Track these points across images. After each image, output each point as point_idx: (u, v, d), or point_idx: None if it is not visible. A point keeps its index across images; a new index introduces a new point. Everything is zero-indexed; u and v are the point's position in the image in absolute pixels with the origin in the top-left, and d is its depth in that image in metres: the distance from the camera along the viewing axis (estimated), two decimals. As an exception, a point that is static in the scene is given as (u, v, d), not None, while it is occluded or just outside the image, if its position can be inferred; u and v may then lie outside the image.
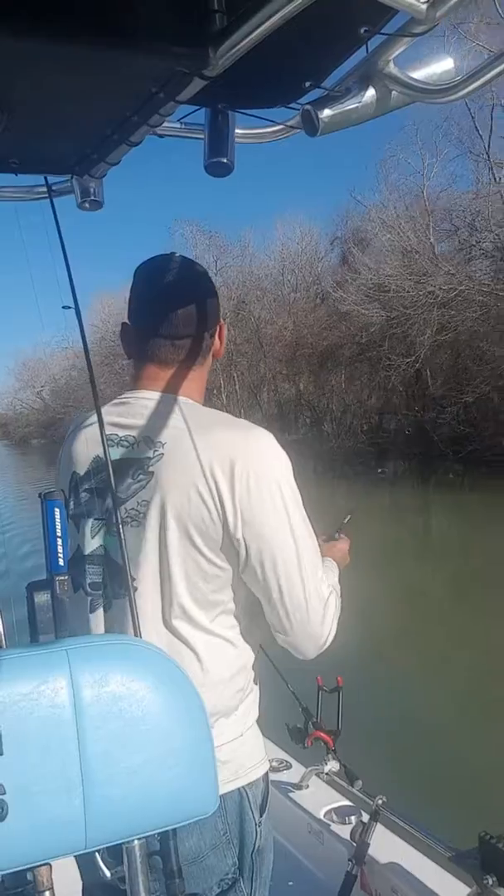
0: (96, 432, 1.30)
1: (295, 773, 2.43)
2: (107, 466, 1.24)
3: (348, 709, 2.18)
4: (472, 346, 22.14)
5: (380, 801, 1.94)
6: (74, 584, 1.34)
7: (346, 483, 19.36)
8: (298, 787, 2.36)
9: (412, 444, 24.82)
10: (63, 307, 1.34)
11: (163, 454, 1.27)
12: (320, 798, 2.31)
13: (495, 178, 21.92)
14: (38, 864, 0.87)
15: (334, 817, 2.23)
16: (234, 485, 1.22)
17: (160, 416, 1.32)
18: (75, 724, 0.87)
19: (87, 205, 1.44)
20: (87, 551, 1.35)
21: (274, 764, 2.47)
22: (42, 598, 1.00)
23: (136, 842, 0.94)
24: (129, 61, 0.98)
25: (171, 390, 1.36)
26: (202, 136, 1.32)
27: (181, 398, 1.35)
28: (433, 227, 23.23)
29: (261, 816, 1.33)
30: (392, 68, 1.10)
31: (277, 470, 1.27)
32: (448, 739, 4.97)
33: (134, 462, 1.28)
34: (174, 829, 1.00)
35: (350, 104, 1.13)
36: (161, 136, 1.33)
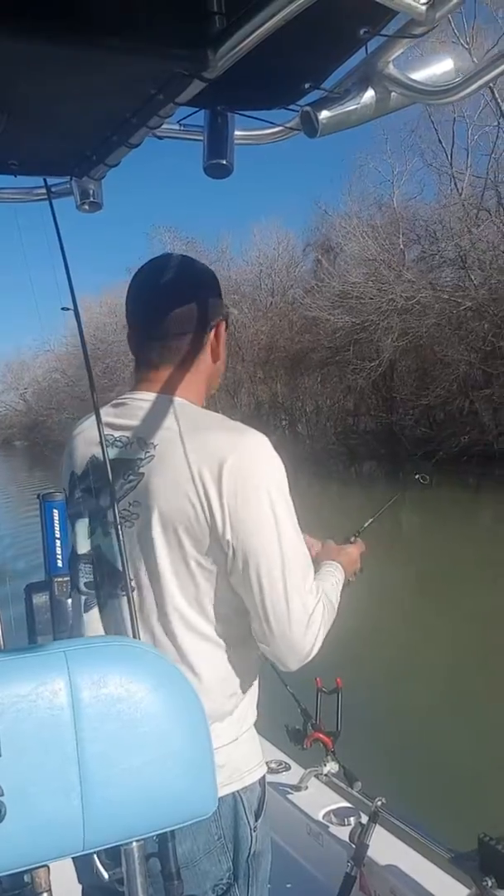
0: (93, 433, 1.31)
1: (294, 774, 2.43)
2: (105, 466, 1.25)
3: (347, 710, 2.18)
4: (434, 350, 22.95)
5: (379, 803, 1.94)
6: (72, 584, 1.35)
7: (320, 483, 19.70)
8: (297, 788, 2.36)
9: (381, 445, 25.70)
10: (62, 308, 1.34)
11: (153, 455, 1.27)
12: (319, 799, 2.31)
13: (458, 189, 22.50)
14: (36, 865, 0.87)
15: (333, 819, 2.23)
16: (223, 488, 1.21)
17: (153, 417, 1.32)
18: (73, 725, 0.87)
19: (86, 206, 1.44)
20: (81, 551, 1.35)
21: (273, 765, 2.46)
22: (40, 599, 1.00)
23: (134, 843, 0.94)
24: (129, 63, 0.98)
25: (166, 391, 1.35)
26: (201, 138, 1.32)
27: (176, 399, 1.34)
28: (403, 236, 24.00)
29: (256, 821, 1.32)
30: (391, 69, 1.10)
31: (267, 474, 1.25)
32: (447, 741, 4.96)
33: (126, 463, 1.29)
34: (172, 831, 0.99)
35: (349, 105, 1.13)
36: (160, 137, 1.33)
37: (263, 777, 1.37)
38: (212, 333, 1.40)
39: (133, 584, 1.27)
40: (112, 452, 1.30)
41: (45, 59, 0.97)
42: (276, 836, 2.20)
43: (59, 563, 1.03)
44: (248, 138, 1.38)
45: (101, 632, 1.31)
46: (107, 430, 1.32)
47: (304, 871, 2.21)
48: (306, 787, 2.35)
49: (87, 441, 1.39)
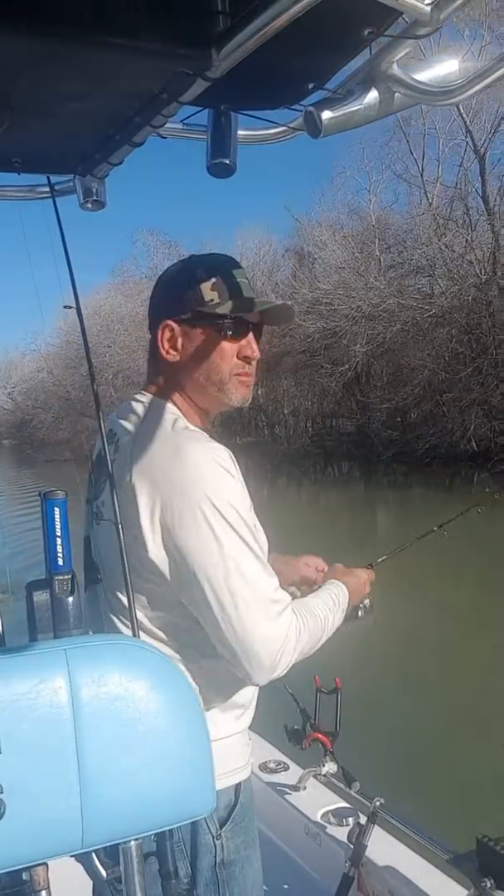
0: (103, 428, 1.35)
1: (292, 774, 2.43)
2: (106, 466, 1.26)
3: (346, 710, 2.18)
4: (401, 355, 23.84)
5: (377, 803, 1.94)
6: (86, 570, 1.40)
7: (296, 483, 19.81)
8: (295, 788, 2.36)
9: (356, 447, 26.37)
10: (64, 307, 1.35)
11: (115, 459, 1.27)
12: (317, 799, 2.31)
13: (428, 199, 23.14)
14: (35, 863, 0.87)
15: (331, 819, 2.23)
16: (155, 501, 1.19)
17: (128, 416, 1.34)
18: (73, 723, 0.87)
19: (89, 205, 1.44)
20: (86, 539, 1.42)
21: (271, 765, 2.47)
22: (41, 597, 1.00)
23: (132, 842, 0.94)
24: (132, 62, 0.98)
25: (147, 389, 1.38)
26: (205, 137, 1.32)
27: (154, 399, 1.35)
28: (376, 245, 24.92)
29: (221, 829, 1.29)
30: (395, 70, 1.10)
31: (203, 487, 1.18)
32: (446, 741, 4.96)
33: (104, 462, 1.29)
34: (171, 830, 1.00)
35: (353, 106, 1.12)
36: (164, 136, 1.33)
37: (239, 785, 1.33)
38: (158, 331, 1.35)
39: (102, 576, 1.31)
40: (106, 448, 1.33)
41: (49, 58, 0.97)
42: (273, 836, 2.21)
43: (60, 562, 1.03)
44: (252, 138, 1.38)
45: (96, 617, 1.34)
46: (111, 427, 1.37)
47: (301, 871, 2.21)
48: (304, 787, 2.35)
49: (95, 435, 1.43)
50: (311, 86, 1.18)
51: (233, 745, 1.34)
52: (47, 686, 0.87)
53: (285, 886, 2.13)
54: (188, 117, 1.31)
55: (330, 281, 24.78)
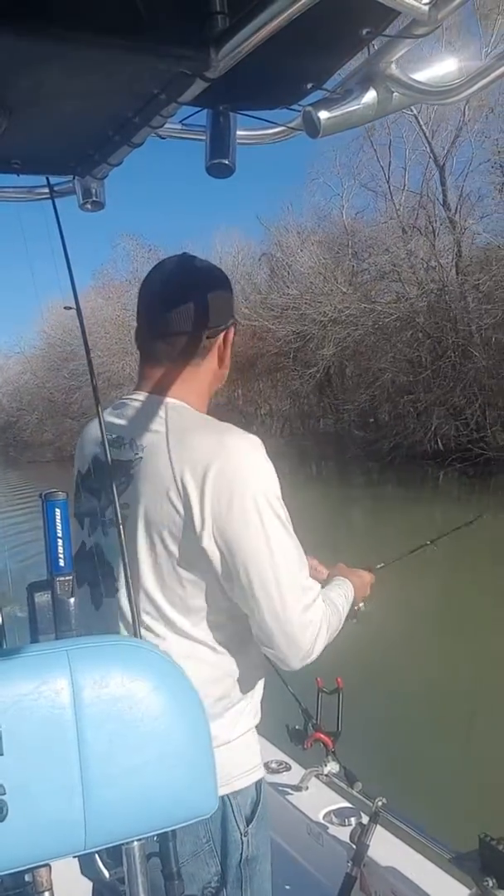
0: (96, 433, 1.32)
1: (294, 774, 2.43)
2: (107, 467, 1.25)
3: (348, 710, 2.18)
4: (368, 357, 24.79)
5: (379, 803, 1.94)
6: (79, 579, 1.36)
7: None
8: (298, 788, 2.36)
9: (330, 446, 27.13)
10: (64, 307, 1.35)
11: (142, 458, 1.26)
12: (320, 800, 2.31)
13: (395, 207, 23.82)
14: (38, 864, 0.87)
15: (333, 819, 2.23)
16: (205, 492, 1.20)
17: (144, 418, 1.31)
18: (75, 724, 0.87)
19: (88, 206, 1.44)
20: (87, 549, 1.37)
21: (273, 765, 2.46)
22: (42, 598, 1.00)
23: (135, 843, 0.94)
24: (131, 62, 0.98)
25: (161, 392, 1.34)
26: (203, 138, 1.32)
27: (170, 400, 1.33)
28: (341, 251, 25.80)
29: (248, 826, 1.31)
30: (394, 70, 1.10)
31: (253, 479, 1.23)
32: (448, 741, 4.96)
33: (120, 464, 1.28)
34: (173, 831, 1.00)
35: (351, 106, 1.12)
36: (162, 137, 1.33)
37: (259, 781, 1.36)
38: (220, 337, 1.38)
39: (120, 584, 1.27)
40: (112, 454, 1.30)
41: (48, 59, 0.97)
42: (276, 837, 2.20)
43: (62, 563, 1.03)
44: (251, 138, 1.38)
45: (104, 629, 1.31)
46: (109, 430, 1.32)
47: (304, 871, 2.21)
48: (307, 788, 2.35)
49: (92, 440, 1.40)
50: (309, 86, 1.18)
51: (253, 741, 1.37)
52: (49, 687, 0.87)
53: (287, 887, 2.13)
54: (187, 118, 1.31)
55: (298, 287, 25.70)
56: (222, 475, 1.20)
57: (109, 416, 1.36)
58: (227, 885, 1.29)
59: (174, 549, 1.23)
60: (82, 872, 1.29)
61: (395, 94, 1.13)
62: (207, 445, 1.23)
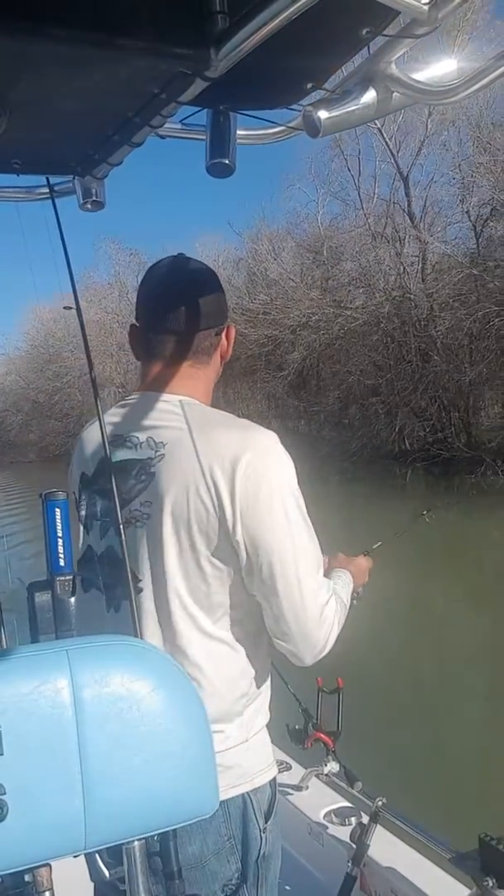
0: (100, 434, 1.30)
1: (295, 774, 2.43)
2: (108, 467, 1.24)
3: (348, 710, 2.18)
4: (335, 361, 25.90)
5: (379, 803, 1.94)
6: (86, 583, 1.36)
7: None
8: (298, 788, 2.36)
9: (305, 446, 27.33)
10: (64, 307, 1.35)
11: (164, 455, 1.26)
12: (320, 799, 2.31)
13: (365, 214, 24.59)
14: (38, 864, 0.87)
15: (334, 818, 2.23)
16: (235, 485, 1.21)
17: (159, 416, 1.31)
18: (75, 724, 0.87)
19: (89, 205, 1.44)
20: (99, 552, 1.36)
21: None
22: (42, 598, 1.00)
23: (136, 842, 0.94)
24: (131, 62, 0.98)
25: (173, 390, 1.34)
26: (204, 137, 1.32)
27: (184, 398, 1.33)
28: (315, 256, 26.68)
29: (266, 823, 1.32)
30: (394, 69, 1.10)
31: (278, 471, 1.25)
32: (448, 741, 4.96)
33: (137, 463, 1.28)
34: (174, 830, 0.99)
35: (351, 105, 1.12)
36: (163, 136, 1.33)
37: (274, 779, 1.37)
38: (224, 333, 1.41)
39: (144, 583, 1.27)
40: (124, 453, 1.30)
41: (48, 59, 0.97)
42: None
43: (62, 563, 1.03)
44: (251, 138, 1.38)
45: (118, 632, 1.30)
46: (118, 431, 1.32)
47: (304, 870, 2.21)
48: (307, 787, 2.35)
49: (95, 442, 1.39)
50: (309, 85, 1.18)
51: (267, 739, 1.38)
52: (49, 687, 0.87)
53: (288, 887, 2.13)
54: (187, 117, 1.31)
55: (269, 293, 26.88)
56: (251, 469, 1.21)
57: (115, 417, 1.36)
58: (247, 881, 1.30)
59: (202, 544, 1.23)
60: (91, 877, 1.29)
61: (394, 93, 1.13)
62: (233, 440, 1.24)
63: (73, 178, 1.44)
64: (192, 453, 1.23)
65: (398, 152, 23.14)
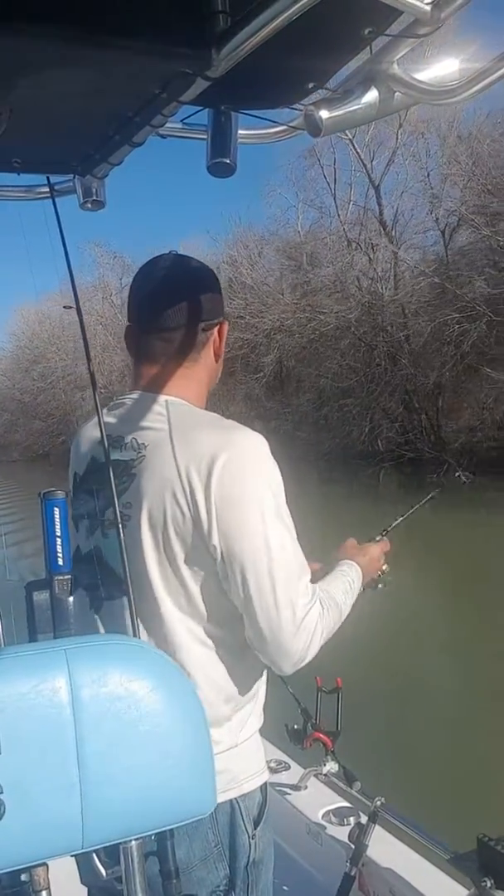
0: (95, 434, 1.32)
1: (293, 774, 2.42)
2: (107, 468, 1.24)
3: (347, 710, 2.18)
4: (308, 363, 26.91)
5: (378, 803, 1.94)
6: (75, 583, 1.34)
7: None
8: (297, 788, 2.36)
9: (284, 446, 27.60)
10: (64, 307, 1.35)
11: (144, 456, 1.25)
12: (318, 799, 2.31)
13: (340, 221, 25.65)
14: (35, 863, 0.87)
15: (332, 818, 2.23)
16: (210, 487, 1.18)
17: (144, 416, 1.30)
18: (73, 723, 0.87)
19: (89, 205, 1.44)
20: (84, 552, 1.35)
21: (272, 765, 2.46)
22: (41, 597, 1.00)
23: (133, 842, 0.94)
24: (132, 62, 0.98)
25: (159, 389, 1.33)
26: (205, 137, 1.32)
27: (170, 398, 1.31)
28: (304, 260, 27.32)
29: (255, 829, 1.30)
30: (396, 69, 1.10)
31: (258, 476, 1.21)
32: (447, 741, 4.96)
33: (121, 464, 1.27)
34: (171, 830, 0.99)
35: (353, 105, 1.12)
36: (163, 136, 1.33)
37: (265, 784, 1.35)
38: (214, 331, 1.37)
39: (125, 586, 1.25)
40: (112, 453, 1.28)
41: (49, 58, 0.97)
42: (275, 836, 2.20)
43: (60, 562, 1.03)
44: (252, 137, 1.38)
45: (103, 632, 1.30)
46: (108, 431, 1.31)
47: (302, 870, 2.21)
48: (306, 787, 2.35)
49: (88, 442, 1.39)
50: (311, 85, 1.18)
51: (259, 744, 1.35)
52: (48, 686, 0.87)
53: (286, 887, 2.13)
54: (188, 117, 1.31)
55: (244, 298, 27.63)
56: (227, 471, 1.18)
57: (106, 417, 1.34)
58: (236, 888, 1.27)
59: (179, 547, 1.21)
60: (81, 881, 1.29)
61: (396, 93, 1.12)
62: (212, 441, 1.21)
63: (74, 178, 1.44)
64: (171, 454, 1.21)
65: (372, 161, 24.44)
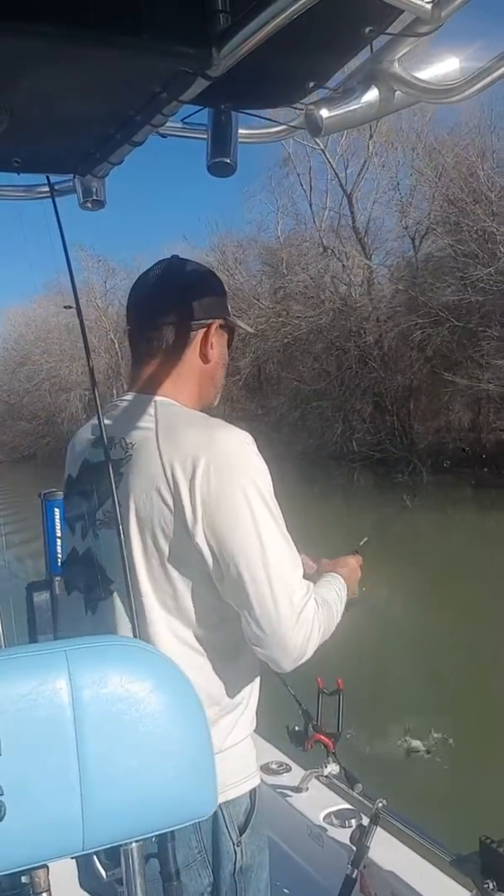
0: (86, 435, 1.35)
1: (294, 775, 2.42)
2: (107, 468, 1.24)
3: (349, 711, 2.17)
4: (283, 366, 28.07)
5: (380, 805, 1.93)
6: (69, 585, 1.35)
7: None
8: (298, 790, 2.35)
9: (266, 447, 28.49)
10: (64, 307, 1.35)
11: (131, 456, 1.25)
12: (320, 801, 2.30)
13: (316, 225, 26.67)
14: (36, 865, 0.87)
15: (334, 820, 2.22)
16: (195, 486, 1.17)
17: (133, 417, 1.30)
18: (74, 724, 0.87)
19: (89, 204, 1.44)
20: (81, 552, 1.35)
21: (273, 767, 2.46)
22: (41, 598, 1.00)
23: (133, 844, 0.93)
24: (133, 61, 0.98)
25: (149, 390, 1.34)
26: (205, 136, 1.32)
27: (160, 399, 1.31)
28: (281, 266, 27.86)
29: (241, 836, 1.28)
30: (396, 68, 1.09)
31: (243, 474, 1.20)
32: (448, 742, 4.96)
33: (111, 464, 1.26)
34: (172, 831, 0.99)
35: (354, 104, 1.12)
36: (164, 135, 1.33)
37: (254, 790, 1.33)
38: (201, 331, 1.36)
39: (116, 586, 1.26)
40: (101, 454, 1.29)
41: (49, 58, 0.97)
42: (276, 838, 2.20)
43: (60, 563, 1.03)
44: (252, 137, 1.38)
45: (95, 634, 1.29)
46: (96, 433, 1.32)
47: (304, 872, 2.20)
48: (307, 789, 2.35)
49: (80, 443, 1.41)
50: (311, 84, 1.18)
51: (249, 749, 1.34)
52: (48, 687, 0.86)
53: (286, 890, 2.12)
54: (188, 116, 1.31)
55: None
56: (212, 468, 1.18)
57: (103, 419, 1.33)
58: (222, 894, 1.27)
59: (165, 546, 1.21)
60: (81, 885, 1.28)
61: (397, 92, 1.12)
62: (197, 439, 1.21)
63: (74, 177, 1.44)
64: (156, 453, 1.21)
65: (347, 169, 25.41)
